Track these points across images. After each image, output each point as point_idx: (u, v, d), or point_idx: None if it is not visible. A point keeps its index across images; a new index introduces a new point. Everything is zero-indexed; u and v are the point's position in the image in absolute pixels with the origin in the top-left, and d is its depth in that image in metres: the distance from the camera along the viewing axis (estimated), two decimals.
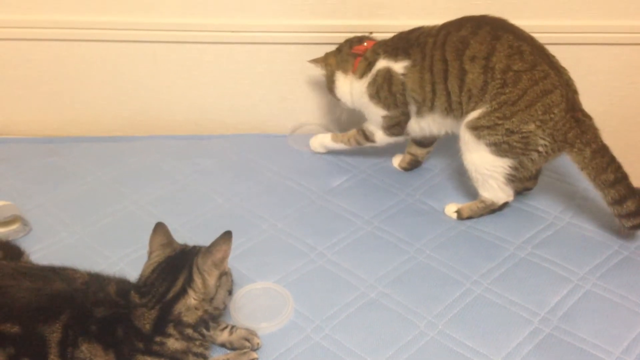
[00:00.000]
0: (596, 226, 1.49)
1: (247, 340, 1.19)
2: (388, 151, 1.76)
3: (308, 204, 1.58)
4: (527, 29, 1.70)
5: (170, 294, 1.07)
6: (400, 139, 1.62)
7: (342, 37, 1.75)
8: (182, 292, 1.07)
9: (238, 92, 1.88)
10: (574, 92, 1.41)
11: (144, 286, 1.09)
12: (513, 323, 1.25)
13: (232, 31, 1.75)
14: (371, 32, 1.73)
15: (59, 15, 1.74)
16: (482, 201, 1.51)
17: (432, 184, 1.66)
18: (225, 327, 1.20)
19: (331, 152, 1.74)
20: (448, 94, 1.46)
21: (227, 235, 1.12)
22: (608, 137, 1.74)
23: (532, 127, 1.37)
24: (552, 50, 1.74)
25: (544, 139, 1.38)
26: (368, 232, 1.49)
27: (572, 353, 1.18)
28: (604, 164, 1.36)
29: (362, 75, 1.57)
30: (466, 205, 1.54)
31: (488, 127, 1.40)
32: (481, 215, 1.52)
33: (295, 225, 1.51)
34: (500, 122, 1.38)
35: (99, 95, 1.87)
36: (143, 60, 1.81)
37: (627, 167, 1.41)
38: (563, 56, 1.76)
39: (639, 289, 1.31)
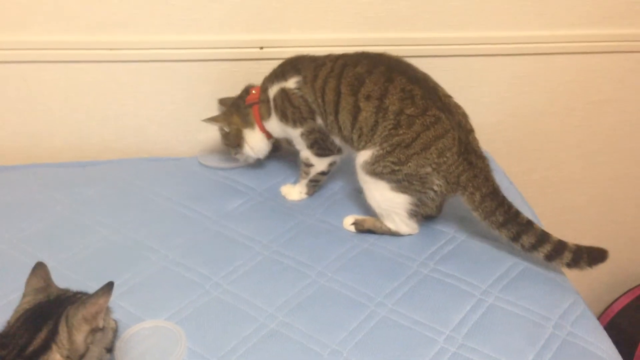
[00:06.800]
0: (497, 237, 1.48)
1: None
2: (285, 173, 1.70)
3: (202, 231, 1.48)
4: (417, 42, 1.72)
5: (31, 348, 0.93)
6: (336, 158, 1.58)
7: (231, 53, 1.68)
8: (45, 347, 0.93)
9: (123, 113, 1.75)
10: (468, 131, 1.40)
11: (5, 336, 0.95)
12: (419, 344, 1.20)
13: (111, 49, 1.62)
14: (262, 47, 1.68)
15: None
16: (387, 226, 1.48)
17: (331, 201, 1.61)
18: None
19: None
20: (339, 128, 1.45)
21: (107, 288, 0.98)
22: (502, 148, 1.77)
23: (428, 169, 1.38)
24: (443, 62, 1.76)
25: (438, 180, 1.39)
26: (267, 258, 1.41)
27: None
28: (492, 207, 1.37)
29: (268, 114, 1.56)
30: (370, 218, 1.50)
31: (386, 173, 1.39)
32: (383, 234, 1.49)
33: (188, 254, 1.40)
34: (397, 167, 1.38)
35: None
36: (11, 82, 1.64)
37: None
38: (455, 67, 1.79)
39: (540, 300, 1.30)
